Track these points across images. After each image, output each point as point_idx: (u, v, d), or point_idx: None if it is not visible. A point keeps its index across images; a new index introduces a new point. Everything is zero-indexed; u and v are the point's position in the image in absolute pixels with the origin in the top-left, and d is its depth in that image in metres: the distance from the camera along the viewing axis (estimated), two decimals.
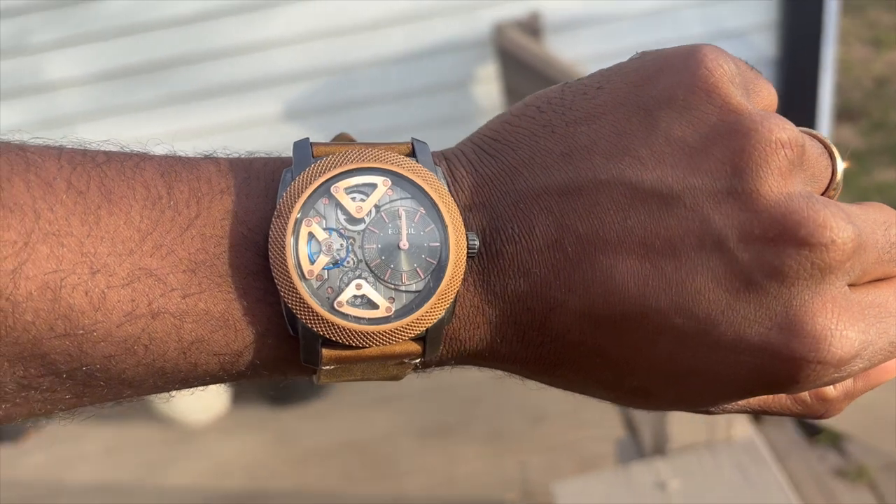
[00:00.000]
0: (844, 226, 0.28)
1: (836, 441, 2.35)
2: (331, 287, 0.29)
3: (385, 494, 2.40)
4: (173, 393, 0.32)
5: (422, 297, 0.30)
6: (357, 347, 0.30)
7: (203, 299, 0.28)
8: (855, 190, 3.33)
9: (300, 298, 0.29)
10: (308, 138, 0.32)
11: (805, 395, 0.34)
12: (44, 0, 2.24)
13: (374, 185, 0.30)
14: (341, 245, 0.29)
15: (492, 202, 0.31)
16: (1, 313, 0.26)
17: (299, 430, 2.67)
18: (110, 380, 0.29)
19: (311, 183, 0.30)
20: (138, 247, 0.28)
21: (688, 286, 0.29)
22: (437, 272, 0.30)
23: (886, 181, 3.44)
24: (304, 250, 0.29)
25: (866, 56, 4.38)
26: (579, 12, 2.39)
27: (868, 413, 2.17)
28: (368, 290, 0.29)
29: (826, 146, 0.32)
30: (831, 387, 0.34)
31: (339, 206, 0.30)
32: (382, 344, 0.30)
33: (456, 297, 0.30)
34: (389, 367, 0.31)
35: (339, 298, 0.29)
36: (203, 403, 2.69)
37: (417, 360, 0.31)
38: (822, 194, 0.31)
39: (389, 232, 0.30)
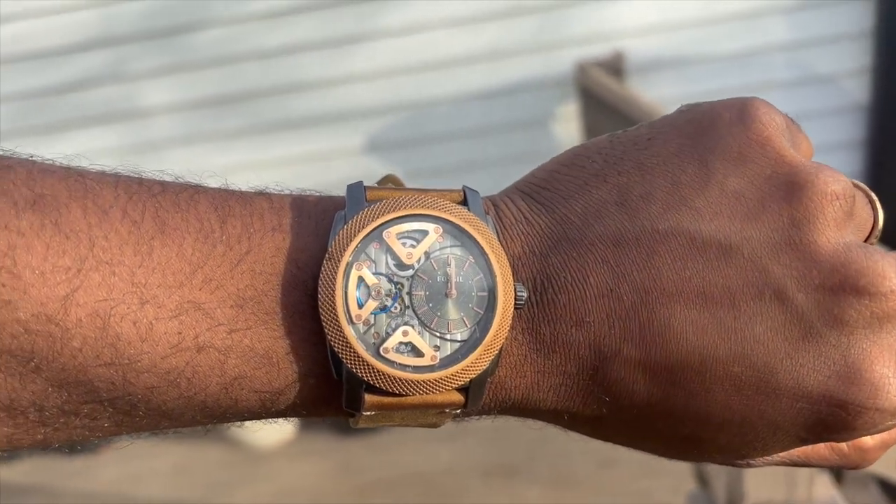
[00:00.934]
0: None
1: None
2: (377, 332, 0.29)
3: None
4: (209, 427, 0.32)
5: (467, 347, 0.29)
6: (399, 395, 0.30)
7: (249, 336, 0.29)
8: None
9: (346, 342, 0.29)
10: (362, 182, 0.32)
11: (843, 444, 0.34)
12: (141, 31, 2.34)
13: (425, 232, 0.30)
14: (390, 290, 0.29)
15: (543, 251, 0.31)
16: (50, 338, 0.27)
17: (364, 460, 2.67)
18: (150, 411, 0.29)
19: (364, 227, 0.30)
20: (188, 280, 0.28)
21: (747, 335, 0.29)
22: (484, 322, 0.30)
23: None
24: (353, 294, 0.29)
25: None
26: (664, 53, 2.37)
27: None
28: (414, 338, 0.29)
29: (868, 196, 0.32)
30: (869, 436, 0.34)
31: (389, 251, 0.30)
32: (425, 393, 0.30)
33: (502, 348, 0.30)
34: (430, 415, 0.31)
35: (385, 344, 0.29)
36: (271, 428, 2.72)
37: (458, 410, 0.31)
38: (864, 241, 0.32)
39: (438, 279, 0.30)
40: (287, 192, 0.32)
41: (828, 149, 2.37)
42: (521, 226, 0.31)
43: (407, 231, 0.30)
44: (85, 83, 2.39)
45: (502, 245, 0.31)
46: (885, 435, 0.34)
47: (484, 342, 0.29)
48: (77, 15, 2.33)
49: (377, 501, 2.52)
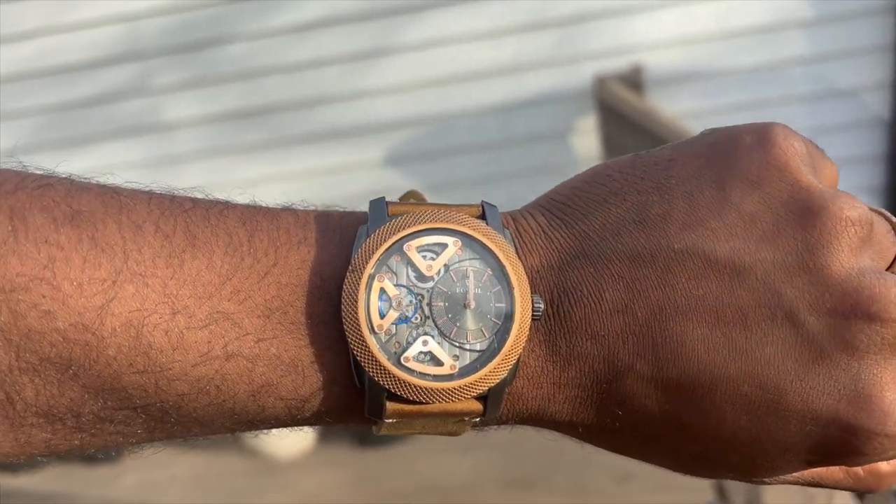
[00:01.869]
0: None
1: None
2: (398, 342, 0.30)
3: None
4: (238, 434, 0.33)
5: (486, 356, 0.30)
6: (420, 403, 0.30)
7: (275, 344, 0.30)
8: None
9: (368, 351, 0.30)
10: (384, 197, 0.33)
11: (858, 468, 0.34)
12: (166, 46, 2.38)
13: (444, 245, 0.31)
14: (410, 301, 0.30)
15: (561, 265, 0.32)
16: (87, 347, 0.28)
17: (382, 471, 2.67)
18: (182, 417, 0.30)
19: (385, 240, 0.31)
20: (217, 291, 0.29)
21: (758, 355, 0.30)
22: (502, 333, 0.30)
23: None
24: (375, 305, 0.30)
25: None
26: (683, 67, 2.37)
27: None
28: (434, 347, 0.30)
29: (890, 222, 0.32)
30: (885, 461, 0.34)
31: (410, 263, 0.31)
32: (445, 401, 0.30)
33: (519, 358, 0.31)
34: (449, 423, 0.32)
35: (405, 354, 0.30)
36: (291, 438, 2.73)
37: (478, 419, 0.32)
38: (887, 270, 0.32)
39: (457, 291, 0.31)
40: (312, 207, 0.33)
41: (848, 163, 2.36)
42: (540, 240, 0.32)
43: (427, 244, 0.31)
44: (110, 97, 2.43)
45: (520, 258, 0.32)
46: None
47: (502, 352, 0.30)
48: (103, 30, 2.37)
49: None
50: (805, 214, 0.30)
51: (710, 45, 2.35)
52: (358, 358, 0.30)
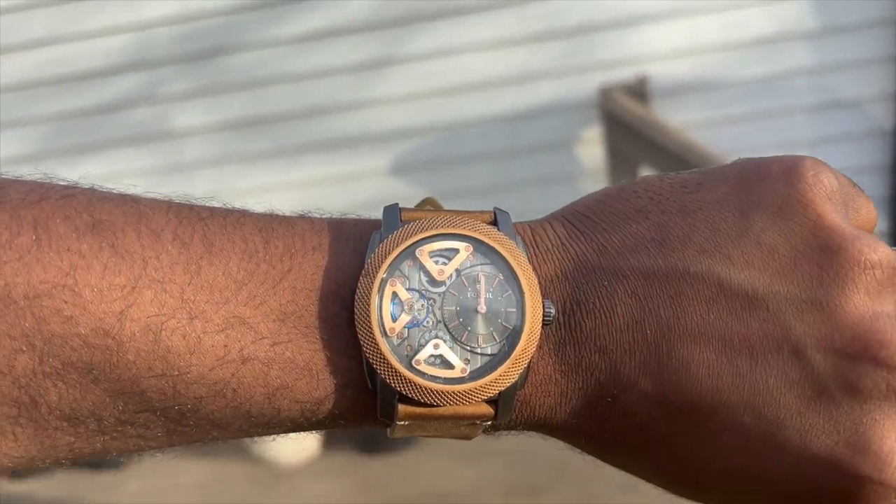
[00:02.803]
0: None
1: None
2: (410, 345, 0.31)
3: None
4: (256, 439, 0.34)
5: (496, 360, 0.31)
6: (431, 405, 0.31)
7: (290, 348, 0.30)
8: None
9: (381, 354, 0.30)
10: (397, 204, 0.33)
11: None
12: (174, 55, 2.39)
13: (456, 251, 0.32)
14: (422, 306, 0.31)
15: (576, 276, 0.32)
16: (107, 351, 0.28)
17: (387, 479, 2.67)
18: (200, 420, 0.31)
19: (397, 245, 0.31)
20: (234, 296, 0.30)
21: (760, 386, 0.30)
22: (513, 337, 0.31)
23: None
24: (387, 309, 0.31)
25: None
26: (688, 78, 2.37)
27: None
28: (445, 351, 0.31)
29: None
30: None
31: (422, 268, 0.31)
32: (456, 404, 0.31)
33: (530, 363, 0.31)
34: (461, 427, 0.32)
35: (417, 356, 0.30)
36: (295, 446, 2.73)
37: (488, 423, 0.32)
38: None
39: (469, 295, 0.31)
40: (327, 215, 0.34)
41: (852, 173, 2.33)
42: (556, 250, 0.33)
43: (438, 249, 0.32)
44: (119, 105, 2.44)
45: (535, 266, 0.32)
46: None
47: (512, 356, 0.30)
48: (113, 39, 2.39)
49: None
50: (824, 253, 0.30)
51: (715, 56, 2.36)
52: (370, 361, 0.30)
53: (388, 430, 0.33)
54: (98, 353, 0.28)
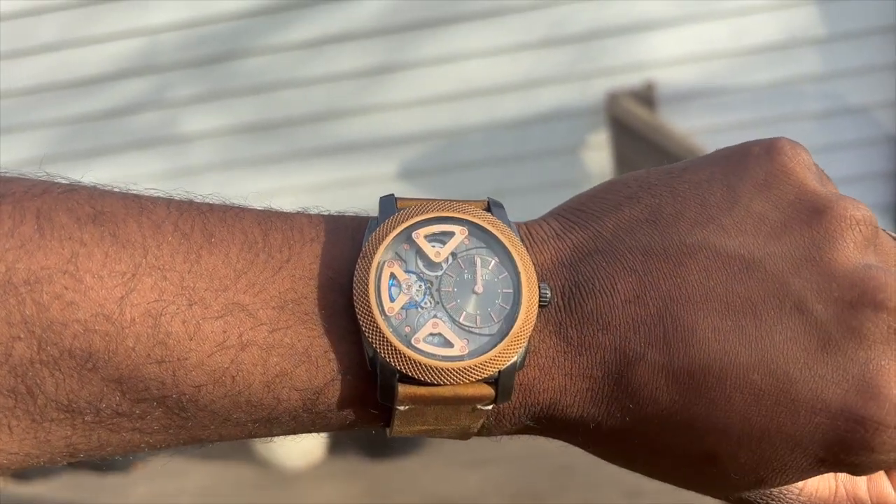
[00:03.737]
0: None
1: None
2: (409, 325, 0.31)
3: None
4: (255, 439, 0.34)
5: (494, 339, 0.31)
6: (431, 385, 0.31)
7: (289, 334, 0.30)
8: None
9: (380, 333, 0.30)
10: (393, 194, 0.34)
11: (866, 497, 0.35)
12: (183, 59, 2.41)
13: (451, 234, 0.32)
14: (420, 287, 0.31)
15: (573, 261, 0.32)
16: (107, 336, 0.29)
17: (391, 484, 2.67)
18: (199, 410, 0.31)
19: (394, 229, 0.32)
20: (233, 284, 0.30)
21: (767, 343, 0.30)
22: (510, 317, 0.31)
23: None
24: (385, 289, 0.31)
25: None
26: (695, 84, 2.38)
27: None
28: (444, 330, 0.31)
29: None
30: (892, 491, 0.35)
31: (419, 251, 0.32)
32: (455, 383, 0.31)
33: (528, 343, 0.31)
34: (462, 414, 0.32)
35: (416, 335, 0.31)
36: (300, 450, 2.74)
37: (490, 406, 0.32)
38: None
39: (465, 277, 0.32)
40: (326, 211, 0.35)
41: (859, 180, 2.36)
42: (552, 241, 0.33)
43: (434, 232, 0.32)
44: (128, 110, 2.46)
45: (531, 256, 0.33)
46: None
47: (510, 334, 0.31)
48: (121, 44, 2.41)
49: None
50: (811, 213, 0.32)
51: (722, 62, 2.36)
52: (370, 340, 0.30)
53: (388, 429, 0.33)
54: (98, 338, 0.29)
